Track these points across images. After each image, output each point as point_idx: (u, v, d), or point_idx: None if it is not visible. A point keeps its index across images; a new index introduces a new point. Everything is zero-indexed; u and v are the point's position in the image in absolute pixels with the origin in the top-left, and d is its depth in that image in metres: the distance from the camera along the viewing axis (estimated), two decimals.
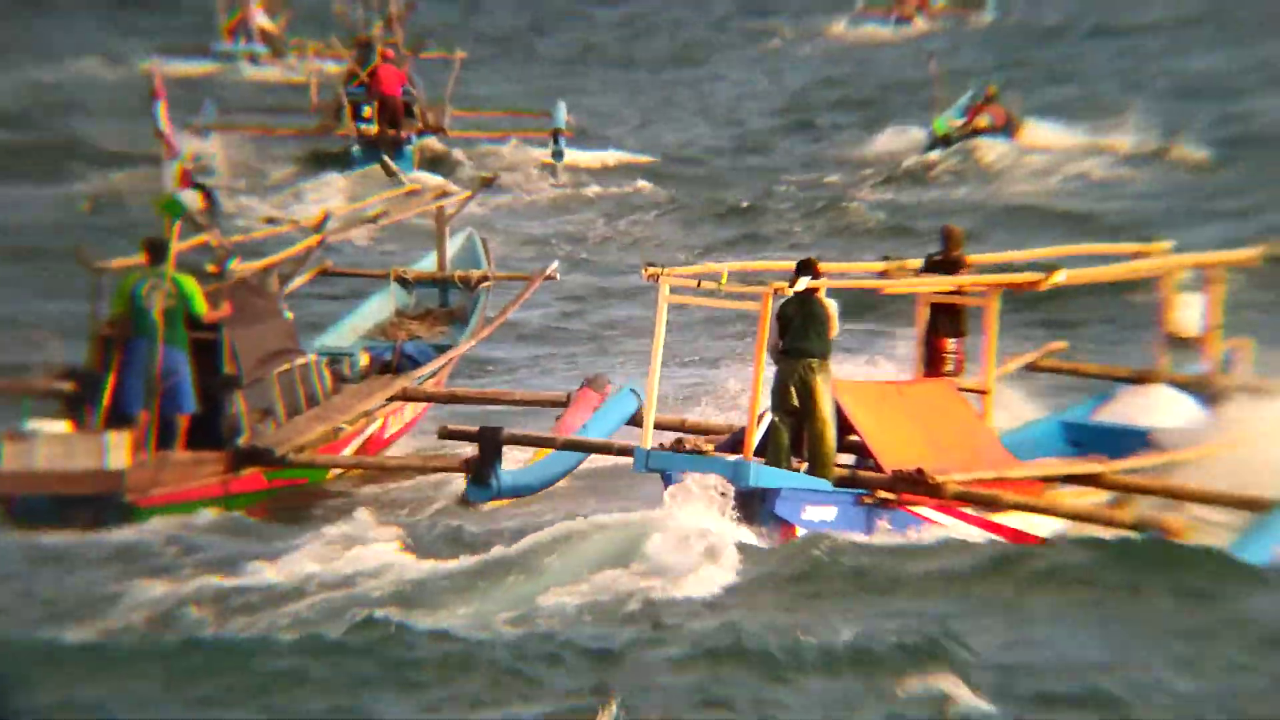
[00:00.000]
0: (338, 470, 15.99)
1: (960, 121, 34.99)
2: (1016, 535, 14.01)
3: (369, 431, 16.69)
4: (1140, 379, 16.72)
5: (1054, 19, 55.17)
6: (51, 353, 15.54)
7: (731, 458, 13.37)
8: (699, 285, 13.60)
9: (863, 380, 14.30)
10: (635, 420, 15.55)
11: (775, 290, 13.27)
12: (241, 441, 14.91)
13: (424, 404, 17.67)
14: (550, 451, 15.26)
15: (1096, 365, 17.05)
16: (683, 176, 33.86)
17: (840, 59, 51.08)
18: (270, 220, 21.10)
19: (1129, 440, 15.55)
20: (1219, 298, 16.64)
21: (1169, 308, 16.63)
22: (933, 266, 15.25)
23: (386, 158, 28.84)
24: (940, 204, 30.45)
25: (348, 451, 16.26)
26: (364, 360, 17.51)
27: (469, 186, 22.70)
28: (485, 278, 19.71)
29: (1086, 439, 15.87)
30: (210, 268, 15.58)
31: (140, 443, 14.41)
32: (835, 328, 13.68)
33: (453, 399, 17.63)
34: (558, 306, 24.64)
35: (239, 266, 16.14)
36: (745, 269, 14.79)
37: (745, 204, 31.07)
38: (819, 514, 13.40)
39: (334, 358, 17.33)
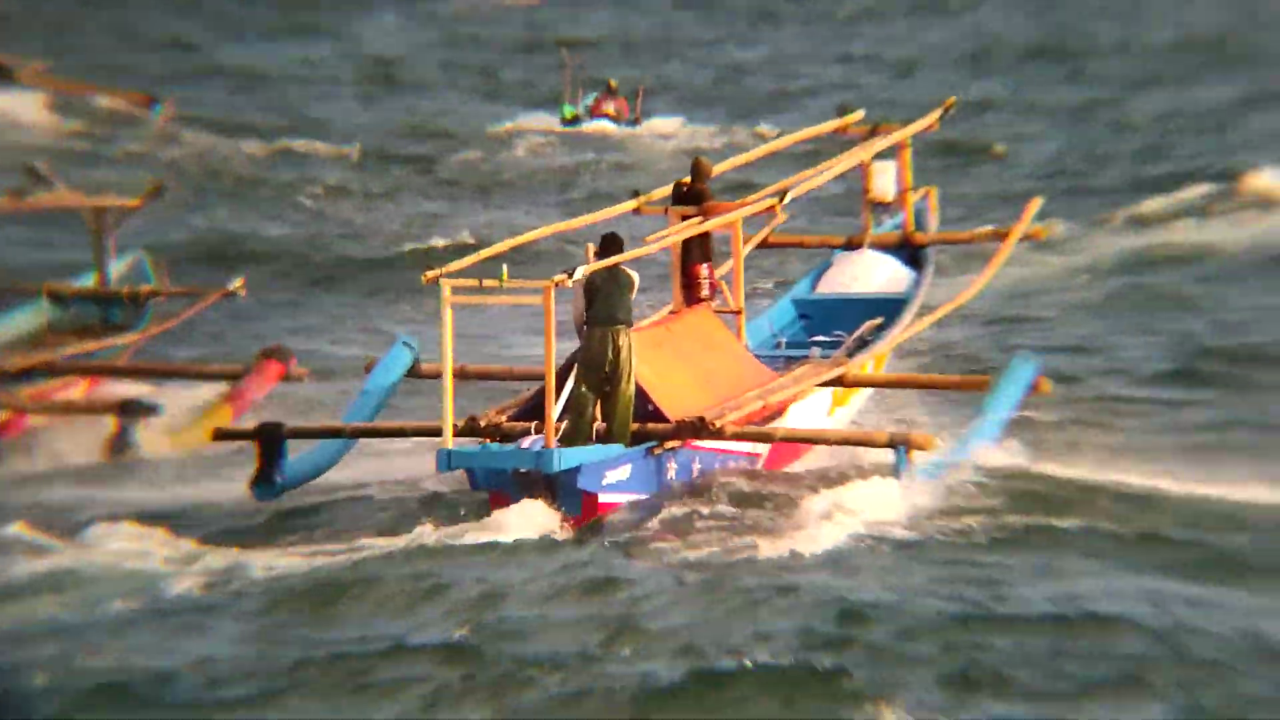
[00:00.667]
0: None
1: (584, 113, 40.83)
2: (784, 451, 15.47)
3: None
4: (850, 244, 18.12)
5: None
6: None
7: (531, 446, 14.15)
8: (480, 284, 14.21)
9: (636, 329, 15.16)
10: (414, 371, 16.23)
11: (556, 284, 13.96)
12: None
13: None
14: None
15: (814, 236, 18.27)
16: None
17: None
18: None
19: (848, 308, 17.14)
20: (906, 162, 18.05)
21: (868, 176, 17.95)
22: (681, 197, 16.08)
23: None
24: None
25: None
26: None
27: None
28: (155, 293, 19.21)
29: (814, 312, 17.32)
30: None
31: None
32: (634, 293, 14.60)
33: (110, 372, 18.02)
34: None
35: None
36: (515, 244, 15.31)
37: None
38: (616, 476, 14.46)
39: None
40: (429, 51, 51.88)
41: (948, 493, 14.09)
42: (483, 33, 55.41)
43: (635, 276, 14.66)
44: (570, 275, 14.12)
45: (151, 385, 18.27)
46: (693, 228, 15.72)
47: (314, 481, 15.17)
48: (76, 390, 18.32)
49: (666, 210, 16.10)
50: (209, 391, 17.97)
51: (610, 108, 40.94)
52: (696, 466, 14.99)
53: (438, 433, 14.63)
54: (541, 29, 55.61)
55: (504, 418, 14.82)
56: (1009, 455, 14.71)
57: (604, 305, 14.41)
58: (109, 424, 17.17)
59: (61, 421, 17.56)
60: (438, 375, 16.09)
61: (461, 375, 16.04)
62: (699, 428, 14.57)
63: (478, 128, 39.96)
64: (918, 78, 45.59)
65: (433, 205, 32.23)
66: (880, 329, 16.70)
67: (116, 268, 19.36)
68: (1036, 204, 17.95)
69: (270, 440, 14.98)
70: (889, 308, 17.10)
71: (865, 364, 16.09)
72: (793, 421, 15.59)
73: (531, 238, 16.22)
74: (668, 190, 16.34)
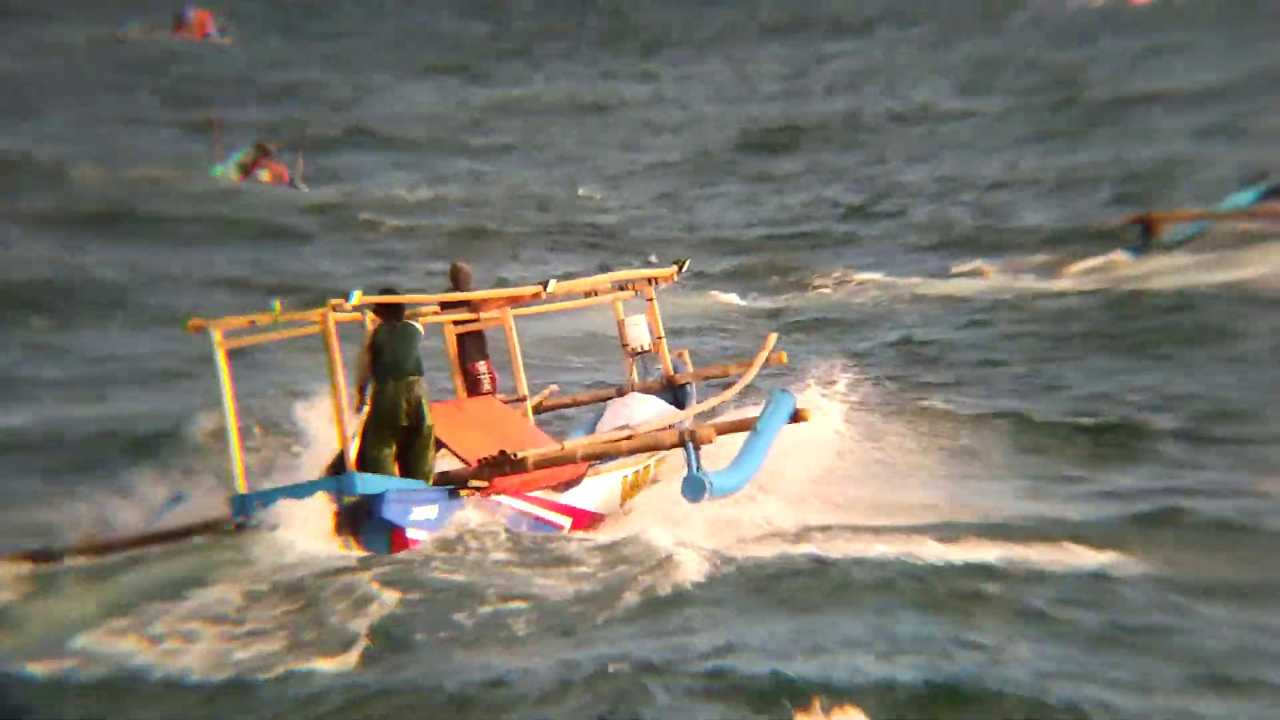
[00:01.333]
0: None
1: (238, 176, 38.38)
2: (579, 514, 15.00)
3: None
4: (620, 393, 18.11)
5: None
6: None
7: (328, 476, 13.53)
8: (252, 324, 13.79)
9: (430, 406, 14.72)
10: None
11: (334, 306, 13.64)
12: None
13: None
14: None
15: (586, 393, 18.24)
16: None
17: None
18: None
19: None
20: (654, 313, 18.37)
21: (622, 330, 18.16)
22: (449, 305, 16.00)
23: None
24: None
25: None
26: None
27: None
28: None
29: None
30: None
31: None
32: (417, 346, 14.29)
33: None
34: None
35: None
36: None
37: None
38: (424, 513, 13.80)
39: None
40: None
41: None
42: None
43: (421, 328, 14.48)
44: (346, 298, 13.83)
45: None
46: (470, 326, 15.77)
47: None
48: None
49: (438, 313, 16.00)
50: None
51: (264, 174, 38.21)
52: (501, 522, 14.36)
53: (206, 528, 13.82)
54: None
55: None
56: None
57: (393, 358, 14.08)
58: None
59: None
60: None
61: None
62: (502, 461, 14.07)
63: None
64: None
65: None
66: None
67: None
68: (773, 338, 18.45)
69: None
70: None
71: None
72: (588, 494, 15.24)
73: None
74: (436, 301, 16.29)
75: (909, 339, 24.55)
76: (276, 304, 13.73)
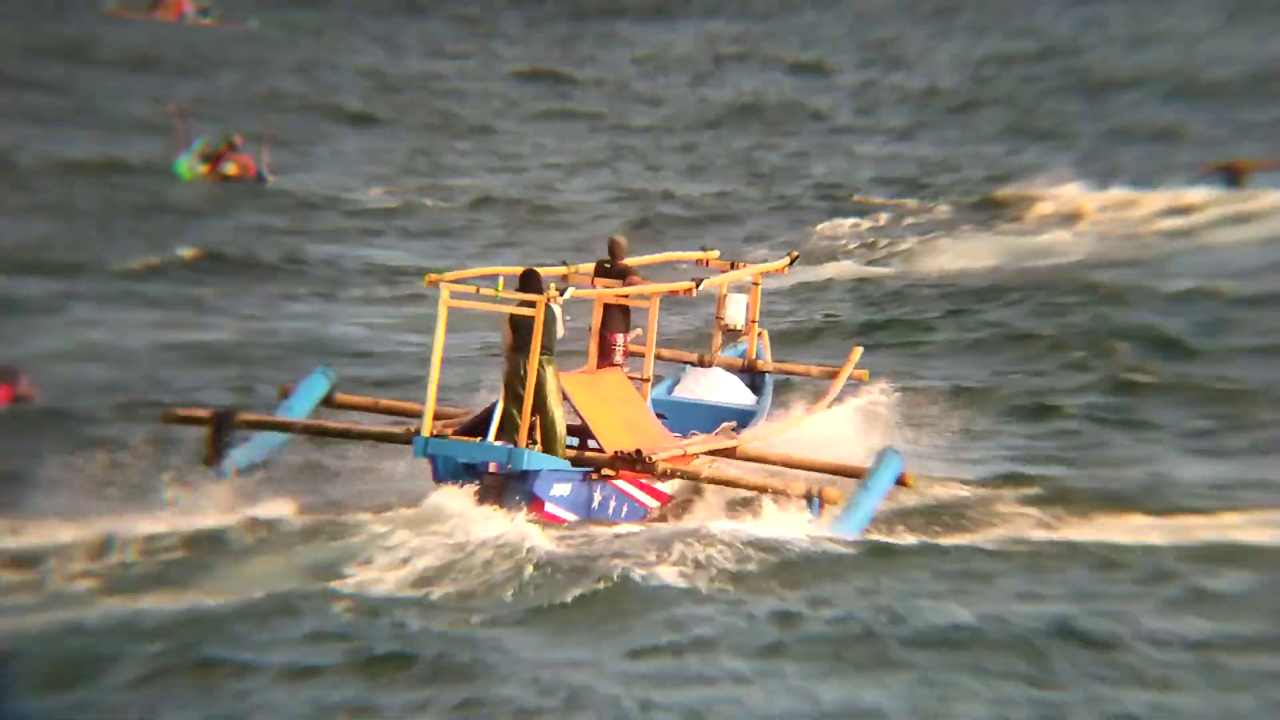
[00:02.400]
0: None
1: (205, 168, 38.14)
2: (664, 499, 17.06)
3: None
4: (701, 362, 20.05)
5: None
6: None
7: (501, 444, 15.44)
8: (478, 291, 15.52)
9: (568, 373, 16.59)
10: (329, 400, 17.25)
11: (549, 299, 15.42)
12: None
13: None
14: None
15: (669, 350, 20.07)
16: None
17: None
18: None
19: (701, 412, 18.97)
20: (756, 298, 20.24)
21: (721, 304, 20.02)
22: (602, 272, 17.76)
23: None
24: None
25: None
26: None
27: None
28: None
29: (670, 413, 19.04)
30: None
31: None
32: (562, 329, 16.01)
33: None
34: None
35: None
36: (473, 274, 16.56)
37: None
38: (560, 490, 15.78)
39: None
40: None
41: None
42: None
43: (559, 311, 15.84)
44: (562, 292, 15.61)
45: None
46: (616, 295, 17.45)
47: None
48: None
49: (593, 281, 17.74)
50: None
51: (231, 167, 38.05)
52: (614, 503, 16.42)
53: (385, 436, 15.82)
54: None
55: (450, 432, 15.97)
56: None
57: (526, 336, 15.57)
58: None
59: None
60: (353, 406, 17.29)
61: (376, 409, 17.30)
62: (635, 460, 16.05)
63: None
64: None
65: None
66: (734, 431, 18.57)
67: None
68: (858, 352, 20.31)
69: (222, 424, 15.77)
70: (739, 416, 19.01)
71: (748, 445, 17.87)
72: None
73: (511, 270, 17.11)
74: (591, 266, 17.99)
75: None
76: (500, 282, 15.44)
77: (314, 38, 65.37)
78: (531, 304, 15.40)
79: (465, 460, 15.40)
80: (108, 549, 13.73)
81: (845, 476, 17.31)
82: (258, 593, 12.87)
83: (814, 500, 16.07)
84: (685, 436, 17.89)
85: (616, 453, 16.11)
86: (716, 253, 20.51)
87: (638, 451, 16.07)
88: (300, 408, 17.03)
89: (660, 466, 16.17)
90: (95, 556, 13.75)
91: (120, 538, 13.86)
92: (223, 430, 15.77)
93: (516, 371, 15.65)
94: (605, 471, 16.12)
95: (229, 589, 13.06)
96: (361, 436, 16.32)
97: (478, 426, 15.94)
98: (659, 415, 19.32)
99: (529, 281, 15.93)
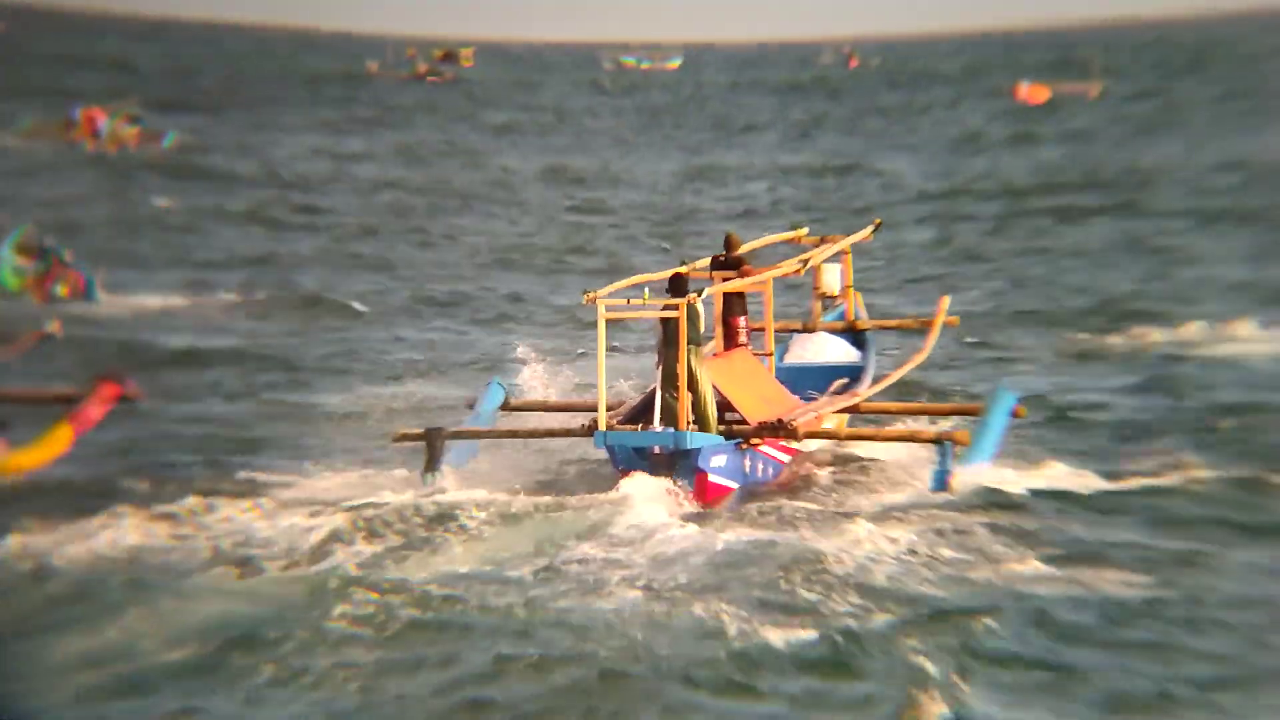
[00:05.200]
0: None
1: (34, 287, 32.60)
2: (796, 455, 19.44)
3: None
4: (806, 329, 22.44)
5: None
6: None
7: (663, 429, 17.89)
8: (629, 302, 17.96)
9: (706, 358, 19.01)
10: (505, 406, 19.77)
11: (689, 301, 17.84)
12: None
13: None
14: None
15: (777, 322, 22.45)
16: None
17: None
18: None
19: (814, 374, 21.37)
20: (849, 266, 22.60)
21: (818, 275, 22.38)
22: (720, 264, 20.14)
23: None
24: None
25: None
26: None
27: None
28: None
29: (786, 378, 21.46)
30: None
31: None
32: (703, 324, 18.43)
33: None
34: None
35: None
36: (622, 286, 18.86)
37: None
38: (719, 461, 18.21)
39: None
40: None
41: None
42: None
43: (702, 308, 18.24)
44: (700, 295, 18.04)
45: None
46: (734, 284, 19.84)
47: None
48: None
49: (710, 274, 20.13)
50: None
51: (61, 288, 32.63)
52: (761, 467, 18.87)
53: (568, 432, 18.32)
54: None
55: (615, 421, 18.42)
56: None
57: (676, 330, 17.88)
58: None
59: None
60: (526, 408, 19.80)
61: (545, 407, 19.83)
62: (779, 428, 18.49)
63: None
64: None
65: None
66: (845, 388, 20.98)
67: None
68: (947, 300, 22.67)
69: (435, 439, 18.33)
70: (848, 373, 21.42)
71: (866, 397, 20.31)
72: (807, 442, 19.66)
73: (656, 277, 19.18)
74: (707, 260, 20.37)
75: None
76: (645, 292, 17.85)
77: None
78: (675, 306, 17.81)
79: (636, 446, 17.83)
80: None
81: (962, 415, 19.64)
82: (491, 564, 15.40)
83: (944, 444, 18.19)
84: (804, 398, 20.28)
85: (761, 423, 18.54)
86: (805, 229, 22.88)
87: (779, 420, 18.50)
88: (485, 414, 19.56)
89: (801, 431, 18.59)
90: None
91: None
92: (435, 444, 18.27)
93: (670, 364, 18.06)
94: (753, 440, 18.54)
95: (468, 560, 15.60)
96: (548, 434, 18.77)
97: (638, 414, 18.44)
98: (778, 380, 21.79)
99: (677, 284, 18.33)
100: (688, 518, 17.02)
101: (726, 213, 49.62)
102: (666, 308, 17.94)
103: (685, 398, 17.95)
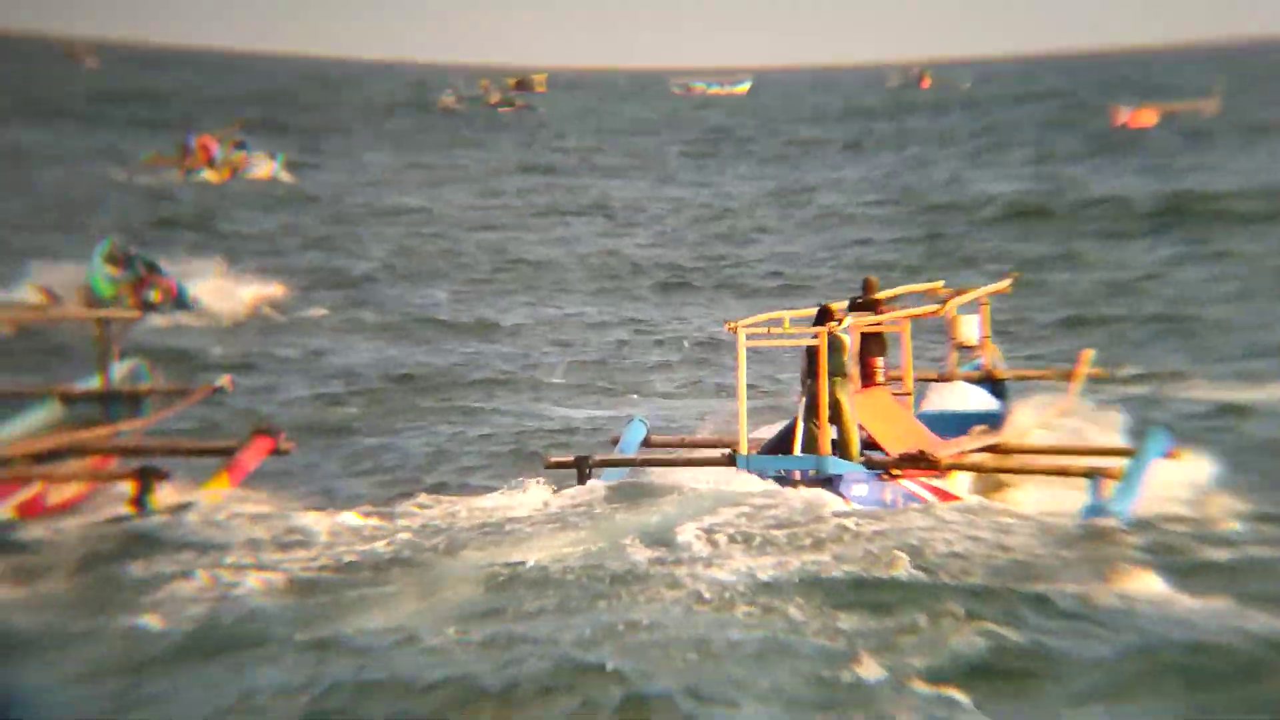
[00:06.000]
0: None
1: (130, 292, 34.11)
2: (946, 495, 19.43)
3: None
4: (944, 378, 22.54)
5: None
6: None
7: (806, 455, 18.06)
8: (769, 331, 18.22)
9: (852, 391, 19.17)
10: (646, 442, 20.05)
11: (829, 329, 18.07)
12: None
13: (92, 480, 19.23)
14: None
15: (916, 370, 22.57)
16: None
17: None
18: None
19: (954, 421, 21.39)
20: (987, 316, 22.71)
21: (955, 324, 22.50)
22: (855, 306, 20.35)
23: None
24: None
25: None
26: None
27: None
28: (151, 391, 21.17)
29: (924, 423, 21.52)
30: None
31: None
32: (848, 353, 18.63)
33: (122, 451, 19.68)
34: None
35: None
36: (771, 317, 19.20)
37: None
38: (860, 490, 18.30)
39: None
40: None
41: None
42: None
43: (847, 340, 18.51)
44: (840, 323, 18.26)
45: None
46: (870, 324, 20.01)
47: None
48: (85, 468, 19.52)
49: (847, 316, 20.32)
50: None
51: (155, 294, 33.97)
52: (902, 502, 18.91)
53: (709, 461, 18.55)
54: None
55: (754, 451, 18.58)
56: None
57: (819, 362, 18.16)
58: (128, 490, 18.24)
59: (79, 495, 18.89)
60: (665, 444, 20.06)
61: (683, 444, 20.08)
62: (920, 458, 18.56)
63: None
64: None
65: None
66: (985, 434, 20.98)
67: (119, 369, 21.21)
68: (1090, 353, 22.69)
69: (584, 465, 18.71)
70: (988, 420, 21.44)
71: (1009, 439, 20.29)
72: (956, 483, 19.63)
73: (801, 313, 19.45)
74: (844, 303, 20.57)
75: None
76: (785, 320, 18.13)
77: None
78: (817, 334, 18.05)
79: (777, 471, 17.98)
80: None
81: (1113, 455, 19.16)
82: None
83: (1095, 477, 17.98)
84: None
85: (903, 454, 18.63)
86: (941, 282, 23.05)
87: (921, 451, 18.58)
88: (628, 448, 19.90)
89: (944, 461, 18.64)
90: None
91: None
92: (585, 470, 18.66)
93: (813, 393, 18.27)
94: (894, 471, 18.63)
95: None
96: (689, 464, 18.96)
97: (776, 445, 18.61)
98: None
99: (823, 317, 18.60)
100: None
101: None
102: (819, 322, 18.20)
103: (826, 426, 18.11)
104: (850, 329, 19.82)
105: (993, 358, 22.82)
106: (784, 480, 18.07)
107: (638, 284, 42.33)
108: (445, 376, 28.95)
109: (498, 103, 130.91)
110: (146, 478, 17.63)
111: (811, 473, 18.06)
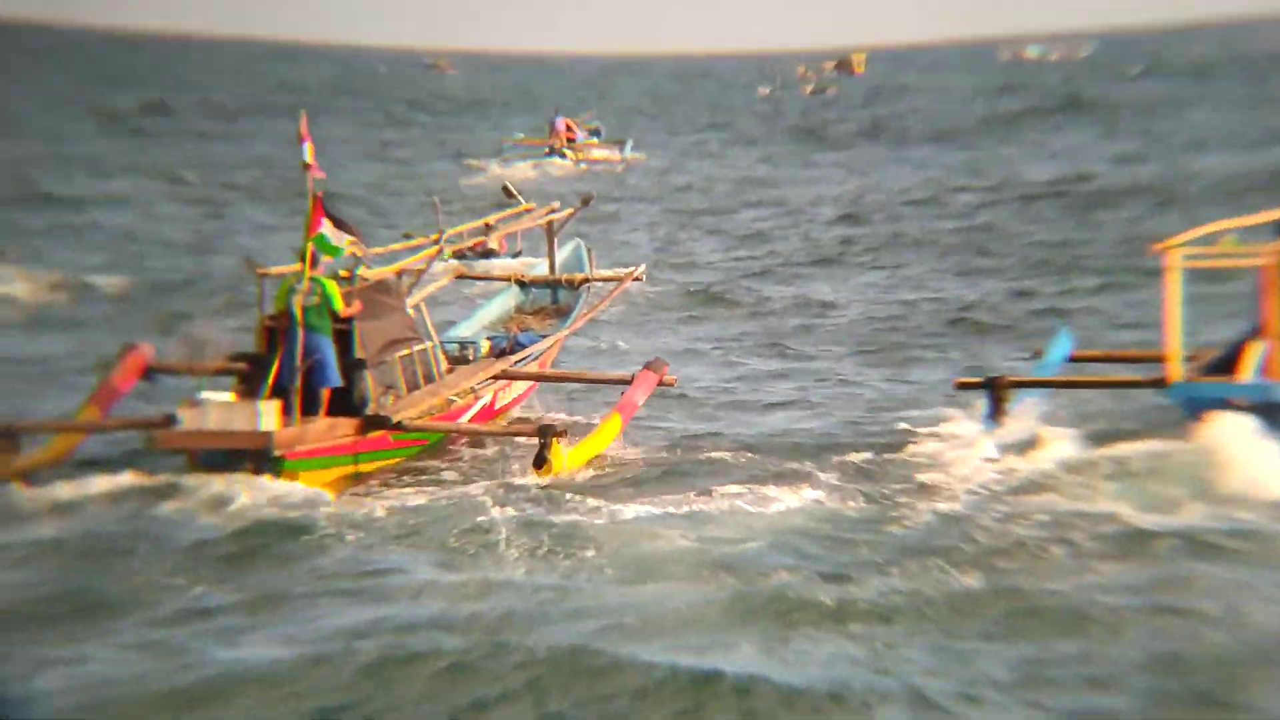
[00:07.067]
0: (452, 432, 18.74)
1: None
2: None
3: (480, 404, 19.75)
4: None
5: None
6: (220, 341, 19.38)
7: (1251, 381, 16.92)
8: (1216, 248, 16.93)
9: None
10: (1071, 358, 19.28)
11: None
12: (369, 411, 17.76)
13: (528, 381, 20.72)
14: None
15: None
16: None
17: None
18: (406, 235, 26.14)
19: None
20: None
21: None
22: None
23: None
24: None
25: (464, 420, 19.19)
26: (485, 347, 20.97)
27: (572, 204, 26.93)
28: (587, 279, 24.04)
29: None
30: (342, 273, 18.46)
31: (289, 410, 17.26)
32: None
33: (540, 378, 20.63)
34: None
35: (367, 272, 19.05)
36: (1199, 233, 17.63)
37: None
38: None
39: (461, 345, 20.82)
40: None
41: None
42: None
43: None
44: None
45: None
46: None
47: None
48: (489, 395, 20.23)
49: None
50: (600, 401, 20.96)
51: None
52: None
53: (1134, 384, 17.88)
54: None
55: (1195, 371, 17.49)
56: None
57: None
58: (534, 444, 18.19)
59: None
60: (1092, 359, 19.15)
61: (1110, 358, 19.17)
62: None
63: None
64: None
65: None
66: None
67: (562, 253, 25.33)
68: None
69: (997, 388, 18.11)
70: None
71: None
72: None
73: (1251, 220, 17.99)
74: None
75: None
76: (1230, 238, 16.92)
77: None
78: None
79: (1219, 398, 16.84)
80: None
81: None
82: None
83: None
84: None
85: None
86: None
87: None
88: (1050, 363, 19.27)
89: None
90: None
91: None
92: (998, 392, 18.16)
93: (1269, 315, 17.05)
94: None
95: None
96: (1112, 386, 18.15)
97: (1216, 367, 17.56)
98: None
99: None
100: None
101: None
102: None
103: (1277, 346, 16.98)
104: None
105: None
106: (1221, 403, 16.95)
107: None
108: None
109: (813, 91, 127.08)
110: (546, 436, 17.72)
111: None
